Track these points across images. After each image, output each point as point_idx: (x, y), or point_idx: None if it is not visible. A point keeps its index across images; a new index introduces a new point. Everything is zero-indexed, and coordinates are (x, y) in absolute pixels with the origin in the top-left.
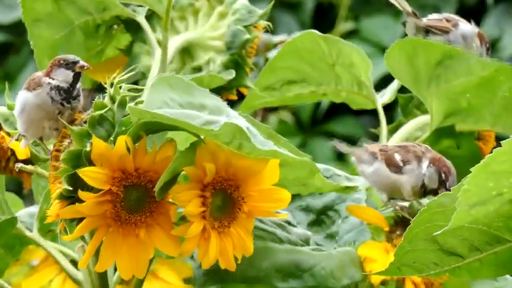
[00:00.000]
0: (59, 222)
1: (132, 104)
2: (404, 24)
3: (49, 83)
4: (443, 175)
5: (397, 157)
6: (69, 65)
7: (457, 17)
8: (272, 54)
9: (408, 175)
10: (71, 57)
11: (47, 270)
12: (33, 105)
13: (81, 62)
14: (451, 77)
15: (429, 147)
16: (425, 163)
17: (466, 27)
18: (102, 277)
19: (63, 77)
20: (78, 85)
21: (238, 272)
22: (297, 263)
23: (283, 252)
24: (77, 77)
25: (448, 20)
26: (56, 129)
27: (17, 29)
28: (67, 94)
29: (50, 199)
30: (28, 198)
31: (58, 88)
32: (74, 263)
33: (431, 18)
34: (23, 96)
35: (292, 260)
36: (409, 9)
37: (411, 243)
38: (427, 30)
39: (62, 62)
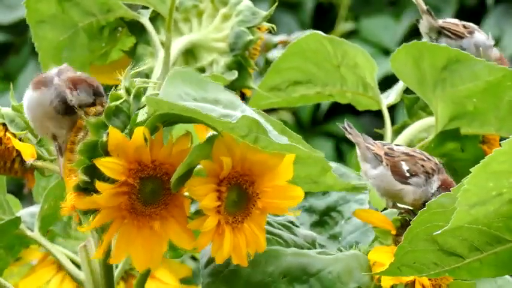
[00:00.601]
0: (61, 221)
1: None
2: (417, 21)
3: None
4: None
5: (404, 167)
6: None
7: (475, 26)
8: (272, 54)
9: (414, 187)
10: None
11: (44, 270)
12: (36, 104)
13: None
14: (457, 81)
15: (438, 163)
16: (435, 183)
17: (481, 37)
18: (108, 277)
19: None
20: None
21: (244, 276)
22: (303, 267)
23: (289, 256)
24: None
25: (465, 27)
26: (61, 127)
27: (17, 29)
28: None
29: (51, 199)
30: (27, 199)
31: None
32: (73, 263)
33: (448, 21)
34: (29, 95)
35: (299, 264)
36: (425, 7)
37: (411, 243)
38: (440, 32)
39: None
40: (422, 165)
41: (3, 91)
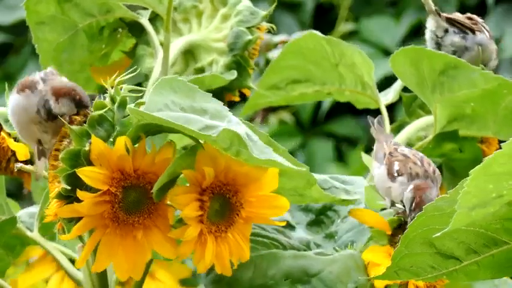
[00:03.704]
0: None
1: (132, 105)
2: (422, 20)
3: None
4: (414, 205)
5: (395, 167)
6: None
7: (484, 25)
8: (273, 54)
9: (398, 186)
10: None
11: (43, 267)
12: (21, 108)
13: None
14: (455, 87)
15: (431, 172)
16: (410, 186)
17: (486, 38)
18: (102, 277)
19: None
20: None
21: (246, 281)
22: (304, 269)
23: (289, 258)
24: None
25: (473, 21)
26: (46, 132)
27: (18, 29)
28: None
29: (49, 199)
30: (28, 199)
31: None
32: (74, 263)
33: (455, 16)
34: (13, 99)
35: (299, 265)
36: (433, 7)
37: (408, 247)
38: (447, 30)
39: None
40: (410, 168)
41: (3, 91)
